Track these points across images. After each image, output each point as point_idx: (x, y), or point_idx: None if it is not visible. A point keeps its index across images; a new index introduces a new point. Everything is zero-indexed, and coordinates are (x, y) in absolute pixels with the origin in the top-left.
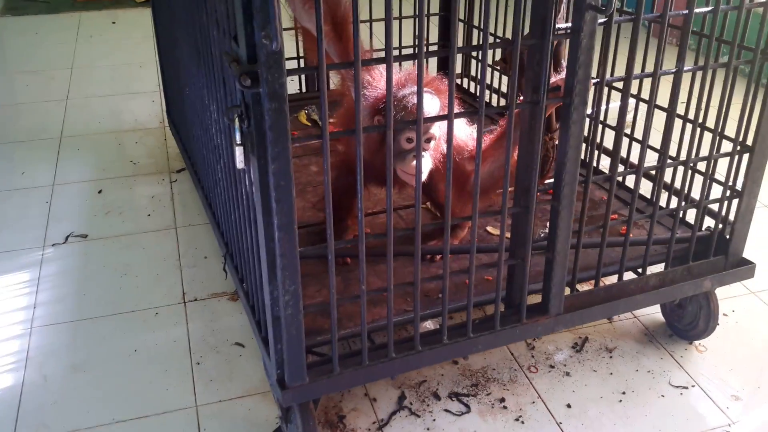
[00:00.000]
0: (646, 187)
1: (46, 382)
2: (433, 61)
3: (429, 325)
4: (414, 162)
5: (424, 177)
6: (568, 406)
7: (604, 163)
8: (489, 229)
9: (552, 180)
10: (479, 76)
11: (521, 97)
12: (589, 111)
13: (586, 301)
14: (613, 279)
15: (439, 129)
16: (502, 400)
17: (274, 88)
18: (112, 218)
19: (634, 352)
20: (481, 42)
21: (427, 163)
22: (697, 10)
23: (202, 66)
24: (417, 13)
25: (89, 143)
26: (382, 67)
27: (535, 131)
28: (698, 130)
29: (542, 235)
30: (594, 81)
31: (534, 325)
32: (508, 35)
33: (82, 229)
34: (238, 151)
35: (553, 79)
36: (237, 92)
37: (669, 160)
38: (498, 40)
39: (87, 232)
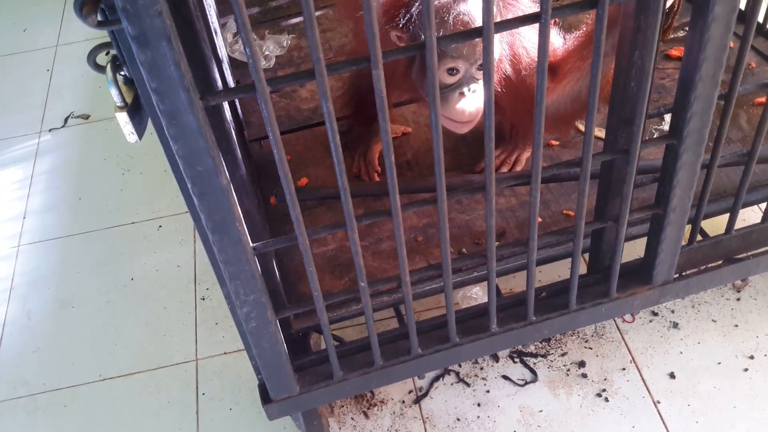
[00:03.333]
0: None
1: (29, 321)
2: None
3: (477, 292)
4: (460, 104)
5: (477, 121)
6: (672, 375)
7: None
8: (577, 124)
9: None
10: None
11: None
12: None
13: (711, 255)
14: (748, 215)
15: (499, 45)
16: (582, 364)
17: (144, 22)
18: None
19: None
20: None
21: (477, 103)
22: None
23: None
24: None
25: None
26: None
27: (647, 36)
28: None
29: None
30: None
31: (629, 300)
32: None
33: (85, 107)
34: (121, 119)
35: None
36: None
37: None
38: None
39: (89, 110)
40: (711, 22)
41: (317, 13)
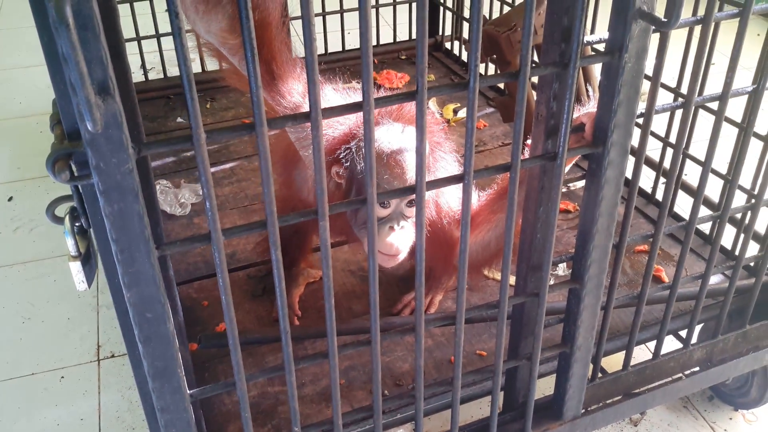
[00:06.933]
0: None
1: None
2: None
3: None
4: (389, 237)
5: (403, 256)
6: None
7: None
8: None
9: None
10: (468, 111)
11: (528, 141)
12: None
13: (612, 391)
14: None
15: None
16: None
17: (114, 179)
18: (21, 237)
19: (665, 425)
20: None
21: (408, 238)
22: None
23: None
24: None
25: (5, 131)
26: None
27: (551, 196)
28: None
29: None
30: (639, 118)
31: None
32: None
33: None
34: (74, 268)
35: (575, 114)
36: None
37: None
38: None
39: None
40: (604, 183)
41: (232, 164)
